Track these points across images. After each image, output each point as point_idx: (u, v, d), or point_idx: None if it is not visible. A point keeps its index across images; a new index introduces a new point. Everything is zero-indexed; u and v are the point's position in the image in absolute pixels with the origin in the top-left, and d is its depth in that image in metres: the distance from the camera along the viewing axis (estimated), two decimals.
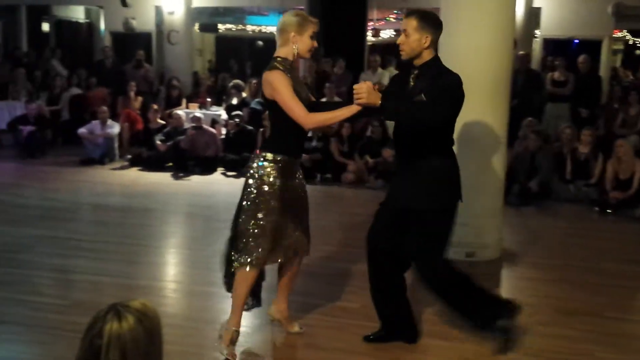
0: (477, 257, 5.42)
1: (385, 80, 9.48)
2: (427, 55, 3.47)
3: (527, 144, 8.09)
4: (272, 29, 3.78)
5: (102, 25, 15.12)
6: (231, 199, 3.66)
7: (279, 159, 3.48)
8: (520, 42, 11.14)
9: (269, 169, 3.47)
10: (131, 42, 14.24)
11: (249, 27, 18.41)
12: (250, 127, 9.49)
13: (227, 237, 3.65)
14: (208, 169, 9.21)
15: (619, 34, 15.43)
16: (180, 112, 10.32)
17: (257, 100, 10.28)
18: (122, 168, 9.52)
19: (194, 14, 14.12)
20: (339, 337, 3.91)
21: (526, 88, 9.53)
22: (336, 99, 9.04)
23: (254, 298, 3.76)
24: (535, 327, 4.15)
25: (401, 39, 3.49)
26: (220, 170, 9.29)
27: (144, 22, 14.07)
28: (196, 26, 16.50)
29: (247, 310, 3.73)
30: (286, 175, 3.51)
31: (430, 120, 3.34)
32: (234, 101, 10.76)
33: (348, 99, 3.41)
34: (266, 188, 3.46)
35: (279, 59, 3.48)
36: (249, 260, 3.48)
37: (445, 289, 3.65)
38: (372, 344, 3.81)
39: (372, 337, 3.84)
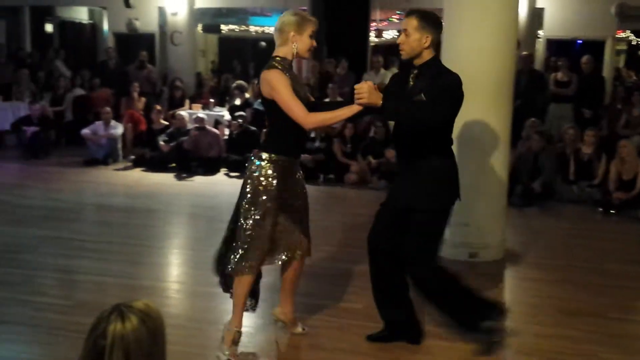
0: (480, 257, 5.42)
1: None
2: (427, 55, 3.49)
3: (530, 144, 8.09)
4: None
5: (106, 26, 15.14)
6: (234, 199, 3.66)
7: (277, 159, 3.46)
8: (523, 43, 11.12)
9: (266, 170, 3.45)
10: (134, 43, 14.26)
11: (252, 28, 18.42)
12: (253, 128, 9.49)
13: (223, 236, 3.64)
14: (211, 170, 9.22)
15: (622, 35, 15.39)
16: (184, 112, 10.33)
17: (260, 100, 10.29)
18: (125, 169, 9.53)
19: (197, 15, 14.13)
20: (341, 338, 3.91)
21: (529, 89, 9.52)
22: (339, 99, 9.04)
23: (252, 298, 3.74)
24: (538, 327, 4.15)
25: (401, 39, 3.50)
26: (223, 170, 9.30)
27: (147, 23, 14.09)
28: (199, 27, 16.51)
29: (248, 310, 3.72)
30: (284, 176, 3.49)
31: (431, 120, 3.35)
32: (237, 102, 10.77)
33: (350, 100, 3.41)
34: (263, 189, 3.44)
35: (277, 58, 3.47)
36: (244, 263, 3.46)
37: (435, 289, 3.65)
38: (375, 344, 3.81)
39: (375, 336, 3.84)
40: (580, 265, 5.48)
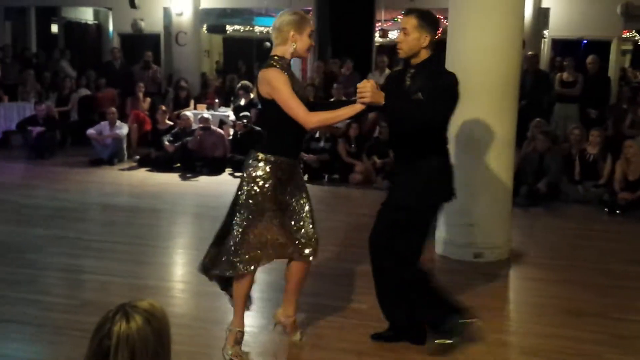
0: (485, 257, 5.42)
1: None
2: (424, 55, 3.51)
3: (535, 144, 8.07)
4: None
5: (111, 27, 15.18)
6: None
7: (275, 160, 3.40)
8: (529, 43, 11.10)
9: (263, 171, 3.39)
10: (139, 43, 14.29)
11: (257, 29, 18.42)
12: (258, 128, 9.49)
13: (215, 234, 3.58)
14: (216, 170, 9.23)
15: (627, 35, 15.33)
16: (189, 113, 10.36)
17: None
18: (130, 169, 9.56)
19: (202, 15, 14.16)
20: (346, 338, 3.91)
21: (535, 89, 9.50)
22: (343, 99, 9.04)
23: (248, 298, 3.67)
24: (542, 327, 4.14)
25: (400, 37, 3.53)
26: (228, 170, 9.31)
27: (152, 23, 14.12)
28: (204, 27, 16.54)
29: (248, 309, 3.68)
30: (282, 177, 3.43)
31: (431, 119, 3.39)
32: (242, 102, 10.78)
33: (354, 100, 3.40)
34: (260, 190, 3.38)
35: (275, 57, 3.42)
36: (240, 265, 3.41)
37: (409, 284, 3.66)
38: (379, 343, 3.80)
39: (380, 336, 3.84)
40: (585, 266, 5.47)
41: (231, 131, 10.04)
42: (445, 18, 7.21)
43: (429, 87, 3.38)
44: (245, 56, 16.99)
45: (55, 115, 10.87)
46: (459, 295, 4.65)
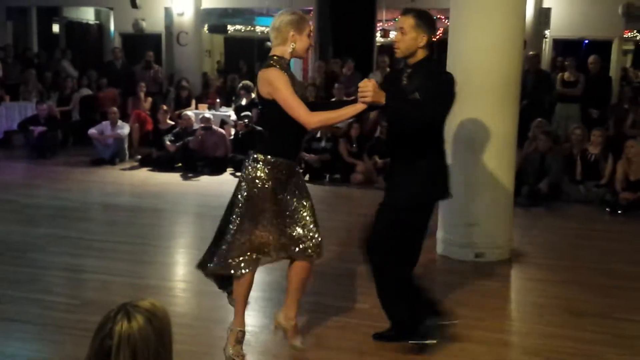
0: (486, 257, 5.42)
1: None
2: (420, 55, 3.53)
3: (537, 144, 8.07)
4: None
5: (112, 27, 15.19)
6: None
7: (274, 160, 3.38)
8: (530, 43, 11.10)
9: (262, 172, 3.36)
10: (141, 43, 14.30)
11: (258, 28, 18.42)
12: (259, 128, 9.49)
13: (215, 234, 3.57)
14: (217, 170, 9.23)
15: (629, 35, 15.31)
16: (190, 112, 10.36)
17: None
18: (132, 168, 9.56)
19: (203, 15, 14.16)
20: (347, 337, 3.91)
21: (536, 88, 9.49)
22: (345, 99, 9.04)
23: (227, 286, 3.62)
24: (544, 328, 4.14)
25: (397, 37, 3.54)
26: (229, 170, 9.32)
27: (154, 23, 14.13)
28: (205, 27, 16.54)
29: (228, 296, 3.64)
30: (282, 177, 3.41)
31: (430, 119, 3.41)
32: (243, 102, 10.78)
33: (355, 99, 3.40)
34: (258, 191, 3.36)
35: (275, 57, 3.40)
36: (234, 267, 3.40)
37: (391, 281, 3.67)
38: (381, 343, 3.81)
39: (381, 336, 3.84)
40: (586, 266, 5.47)
41: (232, 131, 10.04)
42: (447, 18, 7.22)
43: (426, 87, 3.40)
44: (247, 56, 16.99)
45: (56, 115, 10.88)
46: (460, 295, 4.66)
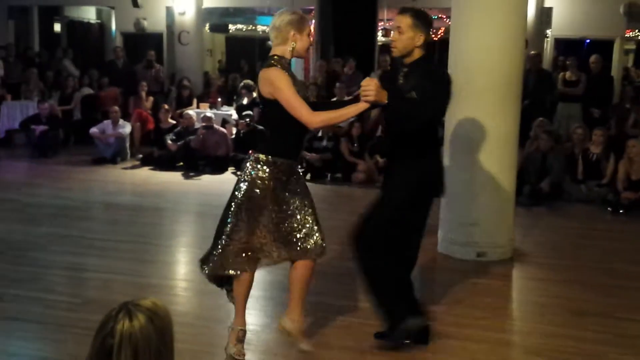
0: (488, 257, 5.42)
1: None
2: (417, 54, 3.54)
3: (538, 144, 8.06)
4: None
5: (114, 26, 15.19)
6: None
7: (274, 161, 3.36)
8: (532, 42, 11.08)
9: (263, 172, 3.34)
10: (142, 42, 14.30)
11: (260, 28, 18.41)
12: (260, 127, 9.50)
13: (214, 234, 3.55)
14: (219, 169, 9.24)
15: (630, 34, 15.29)
16: (191, 112, 10.36)
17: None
18: (133, 167, 9.57)
19: (205, 15, 14.16)
20: (349, 336, 3.91)
21: (537, 88, 9.49)
22: (346, 98, 9.03)
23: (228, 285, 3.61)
24: (546, 327, 4.14)
25: (394, 36, 3.55)
26: (230, 169, 9.32)
27: (155, 22, 14.13)
28: (206, 26, 16.54)
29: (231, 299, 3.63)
30: (282, 178, 3.38)
31: (431, 118, 3.46)
32: (245, 101, 10.78)
33: (355, 99, 3.41)
34: (258, 192, 3.34)
35: (275, 57, 3.38)
36: (237, 268, 3.39)
37: (392, 281, 3.67)
38: (383, 342, 3.80)
39: (383, 335, 3.83)
40: (588, 265, 5.46)
41: (234, 130, 10.04)
42: (448, 17, 7.21)
43: (422, 86, 3.40)
44: (248, 55, 16.98)
45: (58, 114, 10.89)
46: (461, 294, 4.66)
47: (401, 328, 3.67)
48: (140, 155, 9.90)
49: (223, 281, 3.59)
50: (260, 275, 3.66)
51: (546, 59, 12.84)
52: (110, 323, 1.63)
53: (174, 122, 10.20)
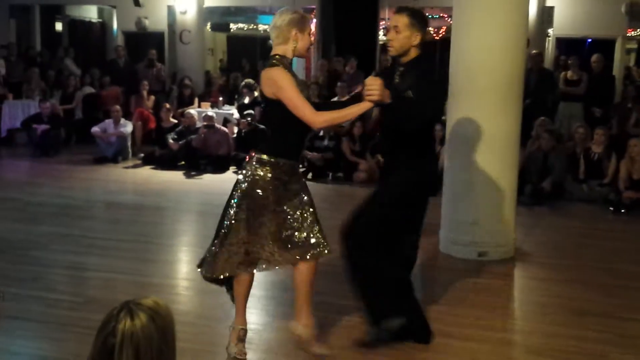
0: (489, 256, 5.41)
1: None
2: (413, 53, 3.56)
3: (539, 143, 8.05)
4: None
5: (115, 25, 15.20)
6: None
7: (275, 161, 3.35)
8: (533, 41, 11.07)
9: (263, 172, 3.33)
10: (144, 41, 14.30)
11: (261, 27, 18.40)
12: (262, 126, 9.50)
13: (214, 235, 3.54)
14: (220, 168, 9.24)
15: (632, 33, 15.28)
16: (193, 111, 10.36)
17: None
18: (135, 166, 9.58)
19: (206, 14, 14.16)
20: (350, 336, 3.90)
21: (539, 87, 9.47)
22: (344, 99, 9.02)
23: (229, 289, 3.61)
24: (547, 327, 4.14)
25: (391, 35, 3.56)
26: (232, 169, 9.31)
27: (157, 21, 14.13)
28: (208, 25, 16.54)
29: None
30: (283, 178, 3.37)
31: (430, 117, 3.49)
32: (246, 100, 10.78)
33: (354, 99, 3.41)
34: (260, 192, 3.33)
35: (277, 56, 3.37)
36: (235, 268, 3.38)
37: (392, 281, 3.67)
38: (384, 342, 3.79)
39: (384, 335, 3.84)
40: (590, 265, 5.46)
41: (235, 129, 10.04)
42: (450, 17, 7.21)
43: (419, 86, 3.40)
44: (249, 54, 16.98)
45: (59, 113, 10.90)
46: (462, 293, 4.66)
47: (382, 327, 3.68)
48: (142, 155, 9.91)
49: (223, 280, 3.59)
50: (261, 275, 3.66)
51: (548, 58, 12.82)
52: (111, 322, 1.63)
53: (176, 121, 10.21)
